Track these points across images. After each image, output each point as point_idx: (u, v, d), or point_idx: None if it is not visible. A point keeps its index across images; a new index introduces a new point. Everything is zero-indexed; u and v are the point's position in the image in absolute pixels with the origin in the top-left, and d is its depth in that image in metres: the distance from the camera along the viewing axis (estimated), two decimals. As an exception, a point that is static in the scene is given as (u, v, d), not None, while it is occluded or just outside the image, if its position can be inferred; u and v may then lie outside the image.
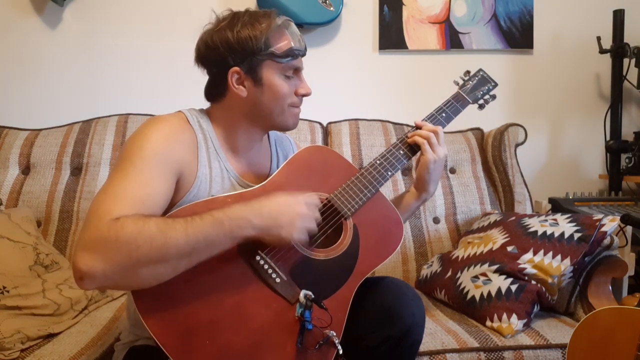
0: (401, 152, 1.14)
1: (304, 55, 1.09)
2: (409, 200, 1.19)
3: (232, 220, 0.87)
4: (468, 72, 1.31)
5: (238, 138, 1.10)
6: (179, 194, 0.99)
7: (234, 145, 1.10)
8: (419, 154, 1.15)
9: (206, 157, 1.04)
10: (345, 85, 2.17)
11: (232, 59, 1.03)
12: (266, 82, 1.05)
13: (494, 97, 1.29)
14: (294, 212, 0.92)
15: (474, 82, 1.28)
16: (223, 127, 1.09)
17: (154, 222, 0.83)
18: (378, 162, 1.12)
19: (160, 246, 0.81)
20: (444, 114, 1.20)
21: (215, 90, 1.09)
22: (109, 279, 0.81)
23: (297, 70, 1.09)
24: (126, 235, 0.80)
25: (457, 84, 1.29)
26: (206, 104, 1.14)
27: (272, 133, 1.25)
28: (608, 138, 2.17)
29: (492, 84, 1.29)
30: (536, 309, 1.35)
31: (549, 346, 1.23)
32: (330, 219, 1.04)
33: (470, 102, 1.25)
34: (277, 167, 1.19)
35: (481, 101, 1.28)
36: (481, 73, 1.30)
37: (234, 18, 1.05)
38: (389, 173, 1.11)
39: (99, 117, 1.90)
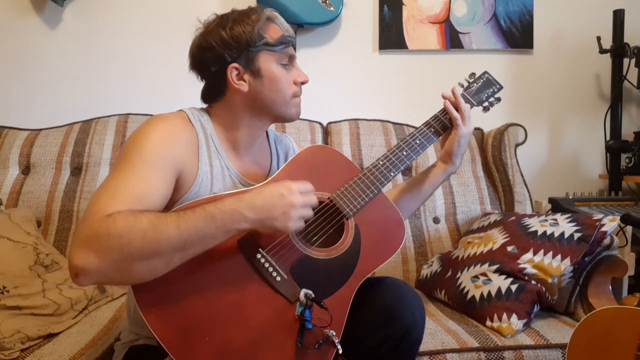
0: (404, 152, 1.14)
1: (295, 43, 1.12)
2: (436, 174, 1.23)
3: (224, 214, 0.87)
4: (473, 74, 1.29)
5: (240, 135, 1.10)
6: (179, 192, 0.99)
7: (236, 143, 1.11)
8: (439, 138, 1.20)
9: (207, 156, 1.04)
10: (345, 85, 2.17)
11: (229, 55, 1.04)
12: (265, 72, 1.06)
13: (498, 99, 1.28)
14: (287, 203, 0.91)
15: (479, 84, 1.27)
16: (224, 125, 1.10)
17: (146, 216, 0.83)
18: (381, 162, 1.12)
19: (152, 240, 0.82)
20: (447, 116, 1.19)
21: (214, 90, 1.09)
22: (104, 274, 0.81)
23: (291, 59, 1.11)
24: (118, 230, 0.80)
25: (462, 85, 1.27)
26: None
27: (271, 132, 1.25)
28: (608, 138, 2.17)
29: (497, 86, 1.28)
30: (536, 308, 1.35)
31: (549, 346, 1.23)
32: (332, 218, 1.04)
33: (475, 104, 1.24)
34: (278, 166, 1.19)
35: (486, 104, 1.27)
36: (486, 75, 1.29)
37: (223, 18, 1.07)
38: (392, 174, 1.11)
39: (99, 117, 1.90)
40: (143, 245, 0.81)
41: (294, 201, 0.92)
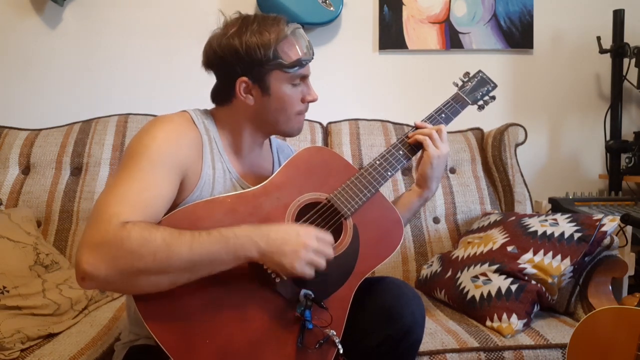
0: (401, 152, 1.14)
1: (311, 61, 1.08)
2: (410, 199, 1.18)
3: (237, 239, 0.87)
4: (467, 73, 1.31)
5: (242, 140, 1.10)
6: (182, 194, 0.99)
7: (237, 148, 1.10)
8: (419, 153, 1.15)
9: (210, 158, 1.04)
10: (345, 85, 2.17)
11: (240, 68, 1.02)
12: (274, 91, 1.04)
13: (493, 98, 1.30)
14: (300, 243, 0.89)
15: (473, 83, 1.28)
16: (227, 129, 1.09)
17: (161, 233, 0.84)
18: (378, 162, 1.12)
19: (163, 259, 0.82)
20: (443, 115, 1.20)
21: (222, 95, 1.09)
22: (109, 283, 0.82)
23: (304, 78, 1.08)
24: (131, 244, 0.81)
25: (457, 85, 1.29)
26: (207, 104, 1.14)
27: (274, 140, 1.26)
28: (608, 138, 2.17)
29: (492, 85, 1.30)
30: (536, 308, 1.35)
31: (549, 346, 1.23)
32: (330, 219, 1.04)
33: (470, 103, 1.26)
34: None
35: (480, 102, 1.28)
36: (480, 74, 1.31)
37: (243, 25, 1.03)
38: (389, 173, 1.11)
39: (99, 117, 1.90)
40: (154, 262, 0.82)
41: (307, 243, 0.90)
